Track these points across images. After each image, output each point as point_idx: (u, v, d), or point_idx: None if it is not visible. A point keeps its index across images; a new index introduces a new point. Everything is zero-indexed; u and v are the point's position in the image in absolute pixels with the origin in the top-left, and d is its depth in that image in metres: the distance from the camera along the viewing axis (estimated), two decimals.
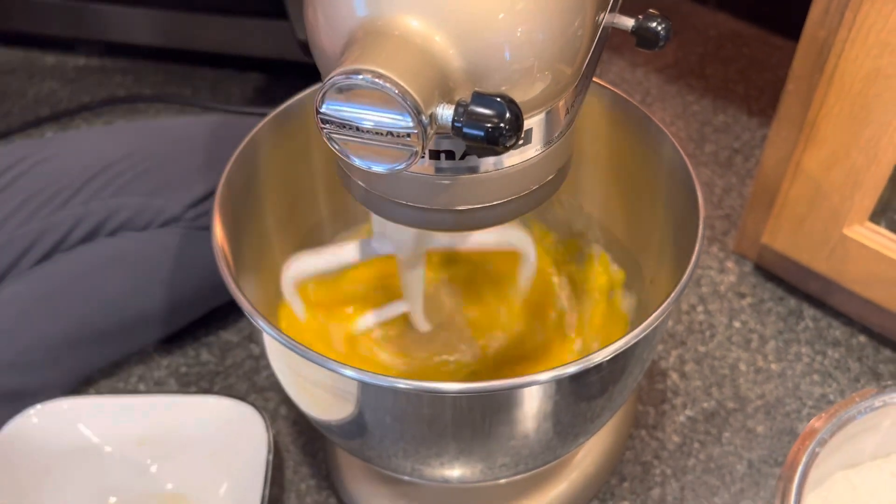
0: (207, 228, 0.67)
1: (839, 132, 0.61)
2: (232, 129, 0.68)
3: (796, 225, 0.68)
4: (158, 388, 0.70)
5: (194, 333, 0.73)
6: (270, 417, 0.67)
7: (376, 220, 0.53)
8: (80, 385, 0.69)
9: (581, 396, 0.47)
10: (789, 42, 1.00)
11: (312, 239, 0.61)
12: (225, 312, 0.74)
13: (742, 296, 0.75)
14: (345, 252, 0.54)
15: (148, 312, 0.67)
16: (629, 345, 0.43)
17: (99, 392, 0.69)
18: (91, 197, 0.64)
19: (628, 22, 0.43)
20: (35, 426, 0.61)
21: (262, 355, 0.72)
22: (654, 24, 0.43)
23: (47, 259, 0.63)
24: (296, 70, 0.88)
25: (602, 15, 0.40)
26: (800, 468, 0.50)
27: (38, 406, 0.61)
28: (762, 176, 0.70)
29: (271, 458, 0.58)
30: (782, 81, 0.63)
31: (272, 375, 0.70)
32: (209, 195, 0.67)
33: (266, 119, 0.53)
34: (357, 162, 0.34)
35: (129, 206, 0.65)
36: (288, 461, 0.65)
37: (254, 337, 0.73)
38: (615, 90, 0.55)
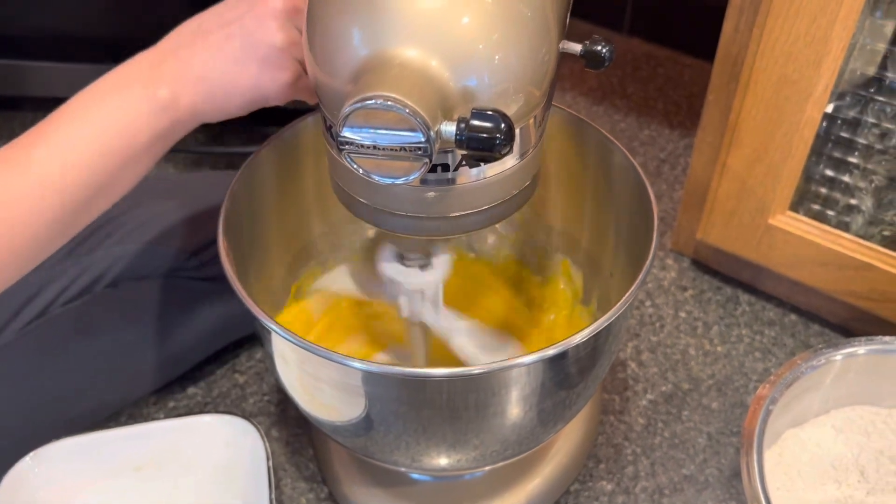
0: (208, 279, 0.70)
1: (758, 133, 0.69)
2: (227, 184, 0.72)
3: (726, 219, 0.76)
4: None
5: None
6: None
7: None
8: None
9: (561, 381, 0.52)
10: (698, 60, 1.11)
11: (305, 256, 0.66)
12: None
13: (684, 288, 0.83)
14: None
15: (147, 364, 0.69)
16: (603, 326, 0.48)
17: None
18: (96, 246, 0.66)
19: (576, 47, 0.50)
20: (33, 471, 0.63)
21: (248, 384, 0.75)
22: (600, 48, 0.49)
23: (48, 310, 0.65)
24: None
25: (561, 42, 0.47)
26: (757, 427, 0.57)
27: (33, 452, 0.63)
28: (693, 178, 0.78)
29: (271, 464, 0.61)
30: (696, 96, 0.72)
31: (260, 401, 0.73)
32: (209, 245, 0.69)
33: (263, 146, 0.57)
34: (377, 178, 0.40)
35: (131, 254, 0.67)
36: (285, 479, 0.68)
37: (262, 342, 0.76)
38: (568, 110, 0.61)
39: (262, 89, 0.49)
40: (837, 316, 0.78)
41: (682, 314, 0.80)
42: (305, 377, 0.51)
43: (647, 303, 0.82)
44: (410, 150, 0.38)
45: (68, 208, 0.47)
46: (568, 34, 0.51)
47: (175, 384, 0.75)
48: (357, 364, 0.46)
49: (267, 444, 0.62)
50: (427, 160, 0.39)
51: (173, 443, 0.65)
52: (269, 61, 0.48)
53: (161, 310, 0.68)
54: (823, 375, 0.60)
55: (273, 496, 0.59)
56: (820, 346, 0.61)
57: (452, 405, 0.50)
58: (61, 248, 0.65)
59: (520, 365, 0.48)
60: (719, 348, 0.77)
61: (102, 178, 0.47)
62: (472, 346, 0.60)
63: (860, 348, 0.60)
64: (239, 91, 0.48)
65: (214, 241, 0.71)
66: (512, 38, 0.41)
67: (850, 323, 0.77)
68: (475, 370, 0.47)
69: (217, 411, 0.73)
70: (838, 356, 0.60)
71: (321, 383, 0.50)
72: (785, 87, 0.65)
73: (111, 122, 0.47)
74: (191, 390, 0.75)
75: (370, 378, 0.48)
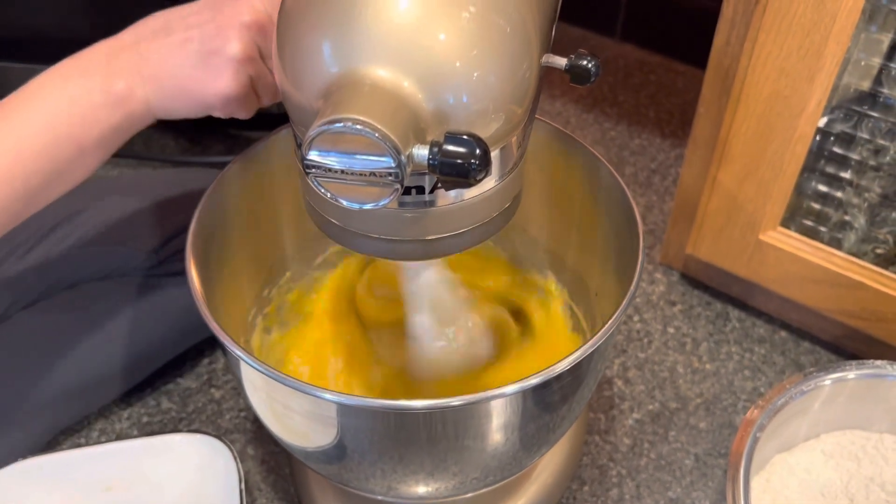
0: (169, 275, 0.69)
1: (748, 149, 0.67)
2: (185, 179, 0.70)
3: (716, 234, 0.74)
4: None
5: (153, 383, 0.74)
6: (239, 458, 0.68)
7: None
8: (45, 448, 0.68)
9: (544, 407, 0.51)
10: (691, 67, 1.09)
11: (277, 274, 0.64)
12: (181, 359, 0.75)
13: (673, 303, 0.81)
14: None
15: (113, 366, 0.67)
16: (587, 354, 0.47)
17: (59, 449, 0.69)
18: (54, 245, 0.65)
19: (561, 61, 0.48)
20: None
21: (224, 399, 0.73)
22: (585, 62, 0.47)
23: (6, 315, 0.63)
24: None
25: (544, 57, 0.45)
26: (744, 454, 0.55)
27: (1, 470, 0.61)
28: (682, 192, 0.76)
29: (244, 486, 0.60)
30: (689, 104, 0.70)
31: (236, 417, 0.72)
32: (169, 241, 0.69)
33: (233, 162, 0.55)
34: (345, 202, 0.38)
35: (89, 255, 0.66)
36: (260, 499, 0.66)
37: (230, 369, 0.74)
38: (553, 124, 0.60)
39: (205, 97, 0.48)
40: (829, 333, 0.76)
41: (671, 330, 0.79)
42: (275, 405, 0.49)
43: (636, 317, 0.80)
44: (380, 176, 0.36)
45: (20, 194, 0.47)
46: (558, 38, 0.49)
47: (149, 398, 0.73)
48: (329, 396, 0.44)
49: (240, 466, 0.61)
50: (398, 186, 0.37)
51: (144, 462, 0.63)
52: (218, 70, 0.47)
53: (124, 310, 0.67)
54: (812, 400, 0.59)
55: None
56: (810, 369, 0.59)
57: (431, 435, 0.48)
58: (17, 252, 0.64)
59: (501, 395, 0.46)
60: (708, 366, 0.76)
61: (55, 167, 0.47)
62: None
63: (850, 373, 0.58)
64: (185, 95, 0.48)
65: (175, 237, 0.69)
66: (491, 54, 0.40)
67: (842, 341, 0.76)
68: (455, 402, 0.45)
69: (191, 428, 0.71)
70: (828, 381, 0.58)
71: (292, 412, 0.48)
72: (777, 102, 0.63)
73: (66, 112, 0.47)
74: (165, 405, 0.73)
75: (344, 410, 0.46)
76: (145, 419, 0.72)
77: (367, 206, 0.38)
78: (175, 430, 0.71)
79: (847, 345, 0.76)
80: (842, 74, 0.63)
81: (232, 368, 0.52)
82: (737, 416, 0.72)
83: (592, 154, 0.58)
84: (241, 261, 0.59)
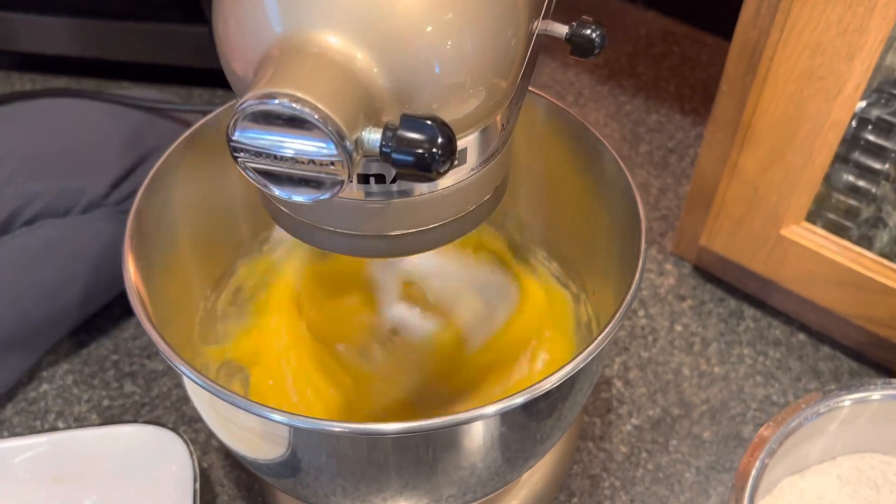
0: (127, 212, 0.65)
1: (774, 133, 0.60)
2: (145, 118, 0.66)
3: (734, 226, 0.68)
4: (79, 424, 0.66)
5: (117, 363, 0.69)
6: (202, 450, 0.64)
7: None
8: None
9: (530, 421, 0.45)
10: (719, 39, 1.01)
11: (234, 265, 0.58)
12: (148, 340, 0.70)
13: (682, 298, 0.75)
14: None
15: (71, 304, 0.64)
16: (577, 369, 0.41)
17: (14, 432, 0.65)
18: (5, 184, 0.61)
19: (562, 29, 0.41)
20: None
21: None
22: (589, 32, 0.41)
23: None
24: (219, 78, 0.84)
25: (535, 23, 0.38)
26: (750, 480, 0.49)
27: None
28: (699, 178, 0.69)
29: (198, 486, 0.55)
30: (713, 79, 0.63)
31: None
32: (129, 174, 0.66)
33: (178, 141, 0.49)
34: (277, 192, 0.32)
35: (46, 191, 0.62)
36: (222, 496, 0.61)
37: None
38: (551, 99, 0.53)
39: None
40: (851, 339, 0.70)
41: (678, 327, 0.72)
42: (222, 420, 0.43)
43: (641, 312, 0.74)
44: (321, 164, 0.30)
45: None
46: (573, 3, 0.42)
47: (111, 380, 0.68)
48: (279, 418, 0.38)
49: (195, 463, 0.56)
50: (342, 178, 0.30)
51: (95, 453, 0.58)
52: None
53: (82, 248, 0.64)
54: (829, 421, 0.53)
55: None
56: (830, 387, 0.53)
57: (402, 459, 0.42)
58: None
59: (483, 417, 0.40)
60: (717, 369, 0.69)
61: None
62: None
63: (875, 393, 0.52)
64: None
65: (132, 172, 0.66)
66: (468, 18, 0.33)
67: (865, 348, 0.69)
68: (431, 424, 0.39)
69: (151, 417, 0.66)
70: (847, 401, 0.52)
71: (245, 432, 0.42)
72: (810, 82, 0.56)
73: None
74: (128, 388, 0.68)
75: (301, 433, 0.40)
76: (106, 402, 0.67)
77: (302, 200, 0.31)
78: (137, 415, 0.66)
79: (871, 352, 0.69)
80: (885, 53, 0.55)
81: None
82: (745, 427, 0.66)
83: (596, 138, 0.51)
84: (191, 253, 0.53)
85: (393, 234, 0.38)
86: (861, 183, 0.63)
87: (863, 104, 0.59)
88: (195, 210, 0.53)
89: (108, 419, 0.66)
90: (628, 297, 0.42)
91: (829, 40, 0.54)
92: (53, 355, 0.69)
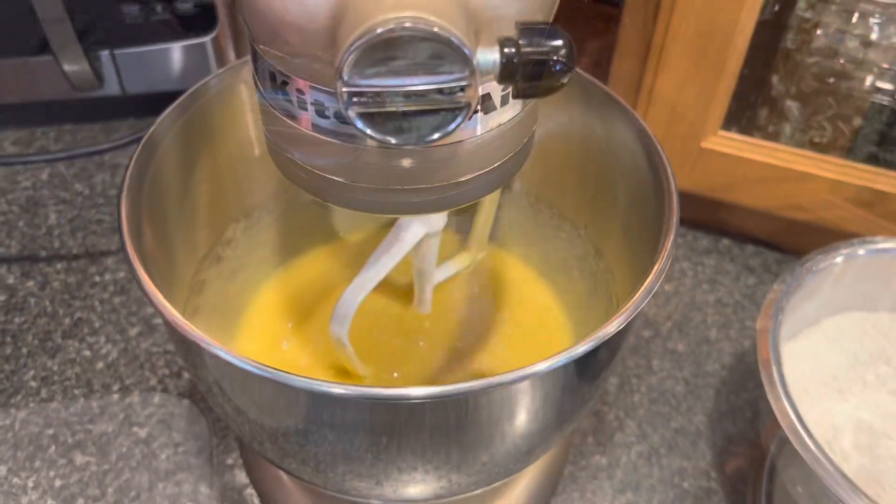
0: None
1: (688, 52, 0.64)
2: None
3: None
4: None
5: (55, 437, 0.60)
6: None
7: None
8: None
9: (583, 379, 0.43)
10: None
11: (225, 246, 0.52)
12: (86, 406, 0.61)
13: None
14: (383, 264, 0.46)
15: None
16: (637, 310, 0.40)
17: None
18: None
19: None
20: None
21: None
22: None
23: None
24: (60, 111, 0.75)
25: None
26: (770, 354, 0.52)
27: None
28: None
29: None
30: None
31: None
32: None
33: (166, 112, 0.43)
34: (393, 140, 0.29)
35: None
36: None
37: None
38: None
39: None
40: (768, 231, 0.76)
41: None
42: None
43: None
44: (447, 94, 0.28)
45: None
46: None
47: (57, 457, 0.59)
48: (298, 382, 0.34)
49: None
50: (469, 104, 0.28)
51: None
52: None
53: None
54: (822, 281, 0.57)
55: None
56: (827, 247, 0.57)
57: (433, 427, 0.39)
58: None
59: (536, 374, 0.37)
60: (667, 287, 0.73)
61: None
62: None
63: (859, 248, 0.57)
64: None
65: None
66: None
67: (783, 237, 0.76)
68: (474, 386, 0.35)
69: (121, 483, 0.58)
70: (839, 258, 0.56)
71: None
72: None
73: None
74: (80, 460, 0.59)
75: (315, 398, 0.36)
76: (58, 483, 0.58)
77: (434, 139, 0.29)
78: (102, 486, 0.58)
79: (789, 241, 0.76)
80: None
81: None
82: (710, 332, 0.69)
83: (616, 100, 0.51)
84: (179, 234, 0.47)
85: (433, 185, 0.36)
86: (763, 82, 0.69)
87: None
88: (181, 190, 0.47)
89: (67, 499, 0.57)
90: (669, 243, 0.43)
91: None
92: None
